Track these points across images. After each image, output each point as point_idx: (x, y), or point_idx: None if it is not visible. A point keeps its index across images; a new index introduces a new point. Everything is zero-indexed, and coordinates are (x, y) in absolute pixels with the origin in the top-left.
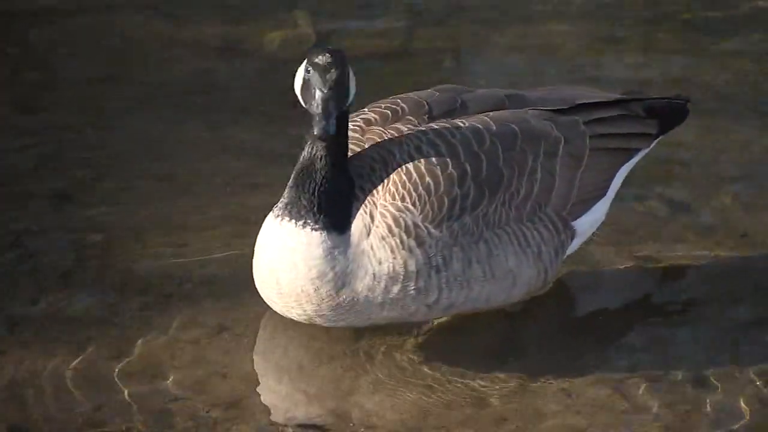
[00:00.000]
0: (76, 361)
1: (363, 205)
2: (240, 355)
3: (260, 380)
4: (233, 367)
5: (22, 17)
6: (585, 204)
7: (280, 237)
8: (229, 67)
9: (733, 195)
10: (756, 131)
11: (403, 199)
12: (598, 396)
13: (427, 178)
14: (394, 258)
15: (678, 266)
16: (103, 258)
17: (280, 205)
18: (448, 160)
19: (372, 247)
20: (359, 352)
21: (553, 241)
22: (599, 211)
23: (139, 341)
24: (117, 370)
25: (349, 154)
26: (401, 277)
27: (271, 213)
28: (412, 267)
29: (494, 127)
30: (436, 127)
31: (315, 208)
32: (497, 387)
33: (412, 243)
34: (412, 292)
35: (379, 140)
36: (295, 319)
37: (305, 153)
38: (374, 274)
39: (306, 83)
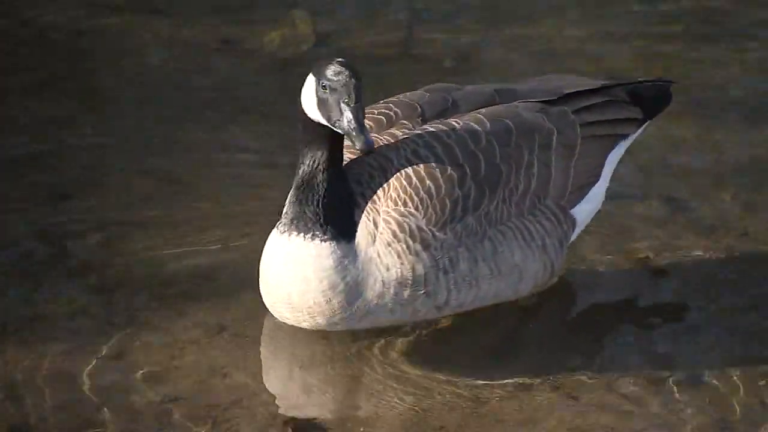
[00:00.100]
0: (76, 361)
1: (365, 213)
2: (240, 355)
3: (260, 380)
4: (233, 367)
5: (21, 14)
6: (581, 191)
7: (290, 252)
8: (228, 67)
9: (733, 194)
10: (756, 131)
11: (405, 204)
12: (598, 396)
13: (428, 182)
14: (402, 263)
15: (678, 265)
16: (103, 257)
17: (284, 220)
18: (447, 161)
19: (378, 254)
20: (358, 353)
21: (556, 231)
22: (595, 197)
23: (139, 341)
24: (117, 370)
25: (346, 161)
26: (410, 281)
27: (275, 230)
28: (420, 271)
29: (488, 125)
30: (431, 129)
31: (321, 220)
32: (496, 387)
33: (418, 247)
34: (421, 295)
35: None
36: (306, 328)
37: (305, 166)
38: (383, 281)
39: (323, 101)
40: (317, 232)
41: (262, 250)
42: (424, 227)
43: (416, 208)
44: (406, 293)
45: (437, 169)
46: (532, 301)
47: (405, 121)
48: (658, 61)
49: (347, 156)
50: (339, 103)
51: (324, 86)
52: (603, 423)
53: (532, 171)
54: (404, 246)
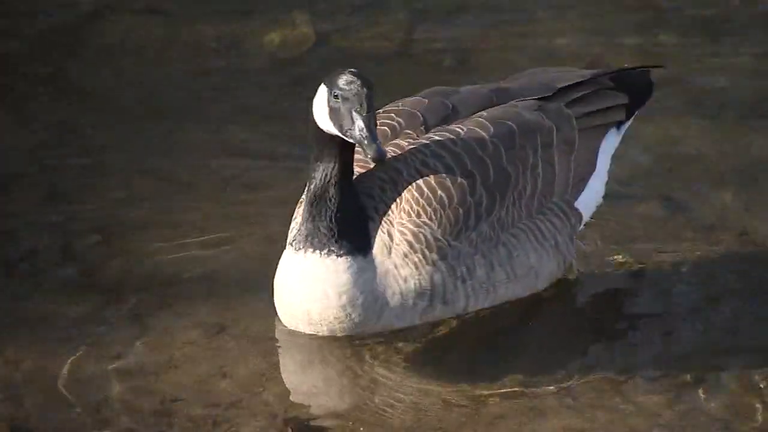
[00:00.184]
0: (76, 361)
1: (380, 226)
2: (240, 355)
3: (260, 380)
4: (233, 367)
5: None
6: (581, 183)
7: (306, 269)
8: (228, 67)
9: (733, 194)
10: (756, 131)
11: (419, 215)
12: (598, 396)
13: (439, 192)
14: (420, 274)
15: (677, 265)
16: (102, 257)
17: (298, 238)
18: (456, 170)
19: (396, 266)
20: (359, 353)
21: (566, 228)
22: (594, 188)
23: (139, 341)
24: (116, 370)
25: (355, 175)
26: (428, 291)
27: (288, 248)
28: (438, 280)
29: (492, 128)
30: (436, 137)
31: (336, 235)
32: (496, 387)
33: (435, 256)
34: (439, 304)
35: None
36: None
37: (316, 180)
38: (401, 293)
39: (335, 110)
40: (333, 248)
41: (261, 250)
42: (440, 237)
43: (430, 218)
44: (425, 303)
45: (447, 179)
46: (550, 292)
47: (409, 131)
48: (658, 61)
49: (356, 170)
50: (351, 112)
51: (336, 95)
52: (603, 423)
53: (538, 171)
54: (421, 256)
